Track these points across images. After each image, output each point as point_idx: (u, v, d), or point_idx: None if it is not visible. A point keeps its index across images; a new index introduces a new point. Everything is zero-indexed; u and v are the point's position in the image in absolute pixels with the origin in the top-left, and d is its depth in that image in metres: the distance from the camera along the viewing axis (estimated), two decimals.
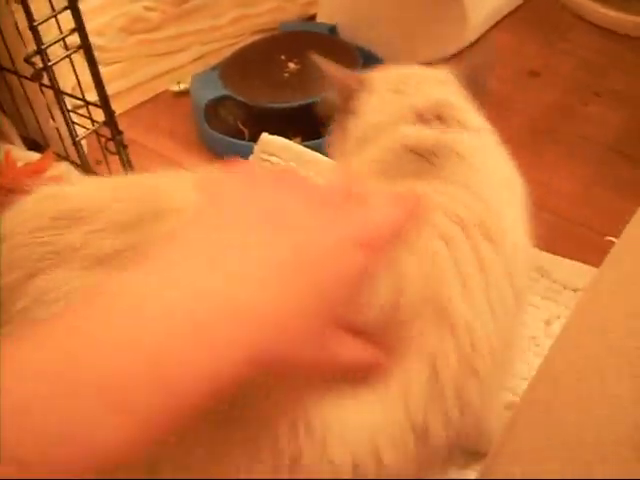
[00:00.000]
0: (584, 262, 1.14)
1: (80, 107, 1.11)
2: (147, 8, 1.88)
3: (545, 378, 0.58)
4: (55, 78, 1.04)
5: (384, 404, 0.61)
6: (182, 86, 1.61)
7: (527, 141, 1.44)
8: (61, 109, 1.06)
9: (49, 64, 0.99)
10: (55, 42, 0.99)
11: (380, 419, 0.61)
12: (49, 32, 1.01)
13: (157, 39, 1.78)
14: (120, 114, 1.54)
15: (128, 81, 1.67)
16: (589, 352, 0.55)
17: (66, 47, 1.02)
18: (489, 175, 0.75)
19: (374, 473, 0.60)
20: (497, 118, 1.43)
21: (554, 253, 1.17)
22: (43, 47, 0.98)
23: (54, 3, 0.99)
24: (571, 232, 1.25)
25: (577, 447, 0.48)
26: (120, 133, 1.10)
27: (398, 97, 0.79)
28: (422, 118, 0.75)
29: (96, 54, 1.69)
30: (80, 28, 0.99)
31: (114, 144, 1.09)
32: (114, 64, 1.72)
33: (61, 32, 1.01)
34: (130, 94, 1.64)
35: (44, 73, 0.99)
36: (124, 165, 1.13)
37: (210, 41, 1.77)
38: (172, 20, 1.83)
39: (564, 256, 1.16)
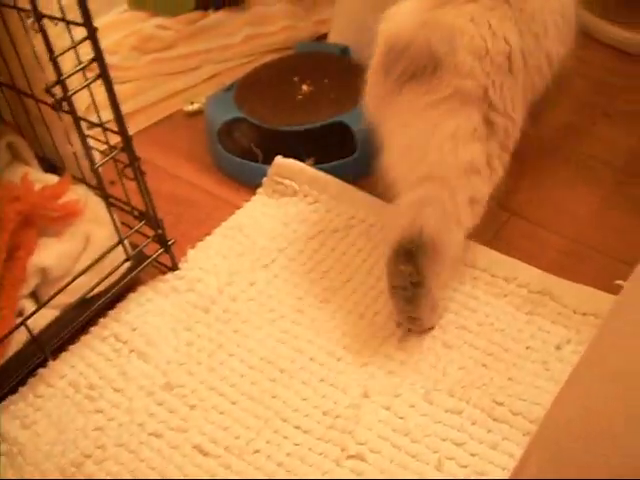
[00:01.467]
0: (595, 286, 1.15)
1: (95, 126, 1.12)
2: (160, 26, 1.90)
3: (555, 421, 0.60)
4: (74, 106, 1.06)
5: None
6: (195, 106, 1.63)
7: (537, 161, 1.45)
8: (80, 134, 1.08)
9: (69, 94, 1.01)
10: (74, 73, 1.00)
11: None
12: (68, 57, 1.03)
13: (170, 58, 1.80)
14: (133, 134, 1.56)
15: (141, 100, 1.69)
16: (598, 396, 0.57)
17: (84, 73, 1.04)
18: None
19: None
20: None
21: (564, 277, 1.18)
22: (63, 78, 0.99)
23: (72, 30, 1.01)
24: (582, 255, 1.25)
25: None
26: (137, 159, 1.11)
27: None
28: None
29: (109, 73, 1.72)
30: (99, 58, 1.01)
31: (132, 170, 1.11)
32: (127, 83, 1.74)
33: (79, 61, 1.03)
34: (143, 113, 1.66)
35: (64, 102, 1.00)
36: (142, 192, 1.14)
37: (223, 60, 1.79)
38: (185, 39, 1.85)
39: (574, 280, 1.17)
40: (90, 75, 1.03)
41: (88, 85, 1.03)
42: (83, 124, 1.08)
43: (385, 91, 1.11)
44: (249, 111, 1.40)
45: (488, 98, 1.08)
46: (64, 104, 1.00)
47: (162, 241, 1.22)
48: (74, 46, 1.00)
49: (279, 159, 1.34)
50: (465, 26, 1.06)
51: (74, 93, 1.01)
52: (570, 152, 1.47)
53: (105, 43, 1.86)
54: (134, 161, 1.11)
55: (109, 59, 1.80)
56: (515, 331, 1.11)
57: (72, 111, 1.04)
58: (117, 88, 1.66)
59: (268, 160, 1.37)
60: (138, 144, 1.51)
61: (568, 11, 1.22)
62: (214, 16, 1.94)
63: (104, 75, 1.01)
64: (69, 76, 1.00)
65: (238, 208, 1.35)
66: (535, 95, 1.19)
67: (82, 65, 1.01)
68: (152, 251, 1.23)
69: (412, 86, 1.07)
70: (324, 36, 1.77)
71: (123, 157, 1.13)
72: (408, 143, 1.10)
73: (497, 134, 1.11)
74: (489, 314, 1.13)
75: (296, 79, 1.48)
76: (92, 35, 0.98)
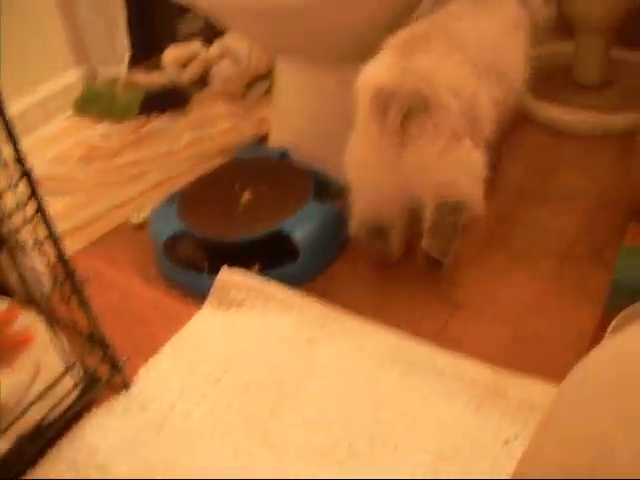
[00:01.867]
0: (542, 376, 1.17)
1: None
2: (105, 134, 1.94)
3: None
4: (17, 241, 1.08)
5: None
6: (141, 216, 1.65)
7: (478, 250, 1.49)
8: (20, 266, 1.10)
9: (9, 232, 1.03)
10: (14, 213, 1.03)
11: None
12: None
13: (116, 166, 1.84)
14: (82, 248, 1.59)
15: (89, 212, 1.72)
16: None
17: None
18: None
19: None
20: None
21: (511, 369, 1.20)
22: (2, 217, 1.02)
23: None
24: (527, 345, 1.27)
25: None
26: (82, 285, 1.13)
27: None
28: None
29: (57, 184, 1.75)
30: (35, 195, 1.03)
31: (71, 286, 1.13)
32: (75, 194, 1.76)
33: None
34: (92, 226, 1.68)
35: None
36: (89, 318, 1.16)
37: (168, 167, 1.82)
38: (130, 146, 1.89)
39: (521, 371, 1.19)
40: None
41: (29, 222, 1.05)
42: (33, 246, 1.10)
43: (384, 140, 1.23)
44: (192, 224, 1.43)
45: (467, 133, 1.27)
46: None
47: (112, 362, 1.23)
48: (11, 186, 1.02)
49: (224, 270, 1.37)
50: (439, 70, 1.23)
51: (15, 232, 1.03)
52: (508, 239, 1.51)
53: (52, 153, 1.92)
54: (78, 289, 1.12)
55: (57, 170, 1.85)
56: (464, 428, 1.12)
57: (14, 249, 1.06)
58: (66, 200, 1.70)
59: (215, 270, 1.39)
60: (87, 258, 1.55)
61: (515, 56, 1.42)
62: (157, 121, 1.99)
63: (41, 209, 1.03)
64: (9, 216, 1.02)
65: (187, 321, 1.36)
66: (491, 135, 1.37)
67: (21, 205, 1.03)
68: (105, 371, 1.24)
69: (412, 133, 1.21)
70: (267, 135, 1.82)
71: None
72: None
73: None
74: (437, 413, 1.14)
75: (237, 187, 1.51)
76: (26, 173, 1.00)
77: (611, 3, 1.81)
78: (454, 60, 1.27)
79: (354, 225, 1.37)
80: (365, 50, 1.50)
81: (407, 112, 1.20)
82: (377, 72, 1.23)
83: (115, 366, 1.24)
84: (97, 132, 2.02)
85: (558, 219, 1.56)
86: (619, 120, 1.81)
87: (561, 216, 1.56)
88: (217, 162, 1.81)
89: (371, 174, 1.29)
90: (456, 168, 1.27)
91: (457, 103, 1.24)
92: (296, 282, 1.39)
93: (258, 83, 2.10)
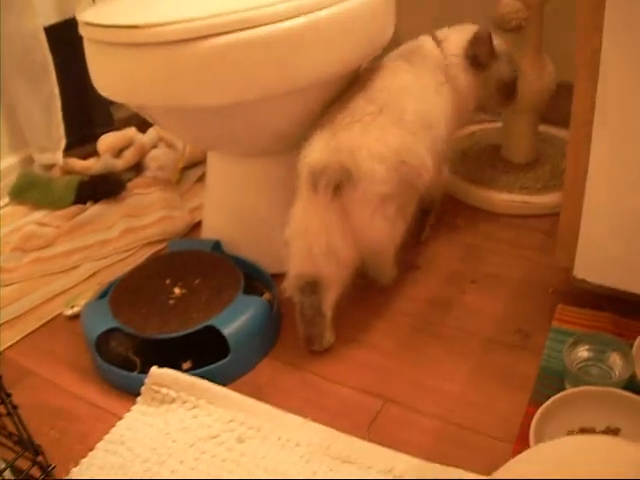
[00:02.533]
0: (473, 468, 1.18)
1: None
2: (40, 223, 1.94)
3: None
4: None
5: None
6: (75, 309, 1.65)
7: (408, 338, 1.51)
8: None
9: None
10: None
11: None
12: None
13: (51, 256, 1.84)
14: (15, 343, 1.59)
15: (24, 304, 1.72)
16: None
17: None
18: None
19: None
20: (380, 320, 1.51)
21: (440, 461, 1.21)
22: None
23: None
24: (457, 437, 1.28)
25: None
26: (9, 395, 1.13)
27: None
28: None
29: None
30: None
31: (4, 407, 1.13)
32: (9, 286, 1.76)
33: None
34: (25, 319, 1.68)
35: None
36: (17, 426, 1.16)
37: (102, 256, 1.84)
38: (65, 235, 1.90)
39: (450, 463, 1.20)
40: None
41: None
42: None
43: (319, 204, 1.37)
44: (124, 320, 1.44)
45: (395, 193, 1.42)
46: None
47: (42, 467, 1.23)
48: None
49: (155, 369, 1.38)
50: (360, 142, 1.37)
51: None
52: (439, 325, 1.54)
53: None
54: (5, 398, 1.13)
55: None
56: None
57: None
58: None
59: (148, 365, 1.40)
60: (19, 354, 1.55)
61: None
62: (92, 210, 2.00)
63: None
64: None
65: (120, 418, 1.37)
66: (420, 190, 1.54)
67: None
68: (38, 474, 1.23)
69: (344, 201, 1.38)
70: (200, 223, 1.84)
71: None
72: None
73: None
74: None
75: (168, 282, 1.53)
76: None
77: (537, 86, 1.87)
78: (380, 125, 1.42)
79: (289, 280, 1.46)
80: (291, 142, 1.55)
81: (338, 184, 1.34)
82: (309, 154, 1.39)
83: (45, 470, 1.24)
84: (32, 220, 2.03)
85: (487, 302, 1.59)
86: (547, 199, 1.86)
87: (490, 298, 1.60)
88: (151, 252, 1.83)
89: (310, 237, 1.41)
90: (382, 229, 1.44)
91: (382, 168, 1.38)
92: (227, 378, 1.41)
93: (193, 170, 2.13)
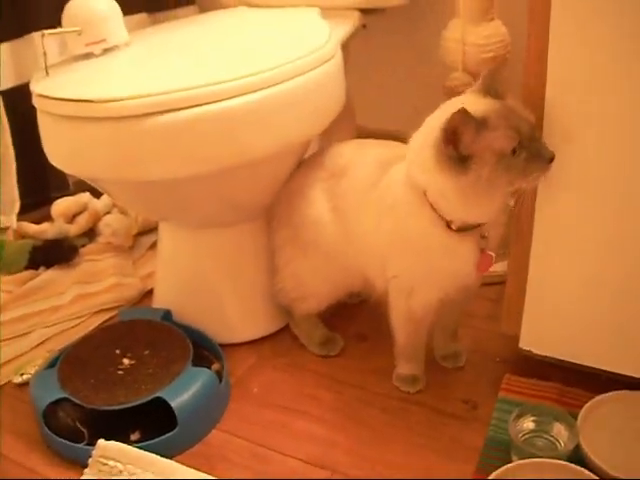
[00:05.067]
0: None
1: None
2: None
3: None
4: None
5: None
6: (25, 377, 1.64)
7: (354, 411, 1.52)
8: None
9: None
10: None
11: None
12: None
13: (2, 322, 1.82)
14: None
15: None
16: None
17: None
18: None
19: None
20: (326, 392, 1.52)
21: None
22: None
23: None
24: None
25: None
26: None
27: None
28: None
29: None
30: None
31: None
32: None
33: None
34: None
35: None
36: None
37: (53, 323, 1.83)
38: (16, 300, 1.89)
39: None
40: None
41: None
42: None
43: None
44: (72, 390, 1.44)
45: None
46: None
47: None
48: None
49: (102, 441, 1.37)
50: None
51: None
52: (385, 397, 1.55)
53: None
54: None
55: None
56: None
57: None
58: None
59: (96, 437, 1.39)
60: None
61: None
62: (45, 275, 2.00)
63: None
64: None
65: None
66: None
67: None
68: None
69: None
70: (152, 291, 1.85)
71: None
72: None
73: None
74: None
75: (118, 352, 1.54)
76: None
77: None
78: None
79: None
80: (244, 214, 1.57)
81: None
82: None
83: None
84: None
85: (434, 371, 1.60)
86: (496, 268, 1.85)
87: (437, 368, 1.61)
88: (103, 319, 1.83)
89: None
90: None
91: None
92: (176, 449, 1.42)
93: (147, 236, 2.13)
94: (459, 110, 1.17)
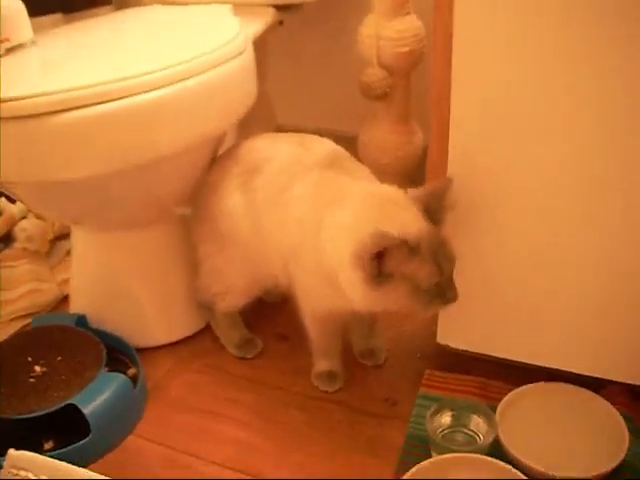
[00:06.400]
0: None
1: None
2: None
3: None
4: None
5: None
6: None
7: (274, 412, 1.51)
8: None
9: None
10: None
11: None
12: None
13: None
14: None
15: None
16: None
17: None
18: None
19: None
20: (247, 394, 1.50)
21: None
22: None
23: None
24: None
25: None
26: None
27: None
28: None
29: None
30: None
31: None
32: None
33: None
34: None
35: None
36: None
37: None
38: None
39: None
40: None
41: None
42: None
43: None
44: None
45: None
46: None
47: None
48: None
49: (12, 451, 1.32)
50: None
51: None
52: (305, 397, 1.54)
53: None
54: None
55: None
56: None
57: None
58: None
59: (5, 449, 1.34)
60: None
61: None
62: None
63: None
64: None
65: None
66: None
67: None
68: None
69: None
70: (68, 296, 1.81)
71: None
72: None
73: None
74: None
75: (30, 359, 1.50)
76: None
77: (405, 151, 1.95)
78: None
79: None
80: (156, 215, 1.54)
81: None
82: None
83: None
84: None
85: (355, 370, 1.59)
86: None
87: (358, 367, 1.60)
88: (19, 326, 1.78)
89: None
90: None
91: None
92: (90, 457, 1.39)
93: (64, 240, 2.09)
94: (396, 237, 1.17)
